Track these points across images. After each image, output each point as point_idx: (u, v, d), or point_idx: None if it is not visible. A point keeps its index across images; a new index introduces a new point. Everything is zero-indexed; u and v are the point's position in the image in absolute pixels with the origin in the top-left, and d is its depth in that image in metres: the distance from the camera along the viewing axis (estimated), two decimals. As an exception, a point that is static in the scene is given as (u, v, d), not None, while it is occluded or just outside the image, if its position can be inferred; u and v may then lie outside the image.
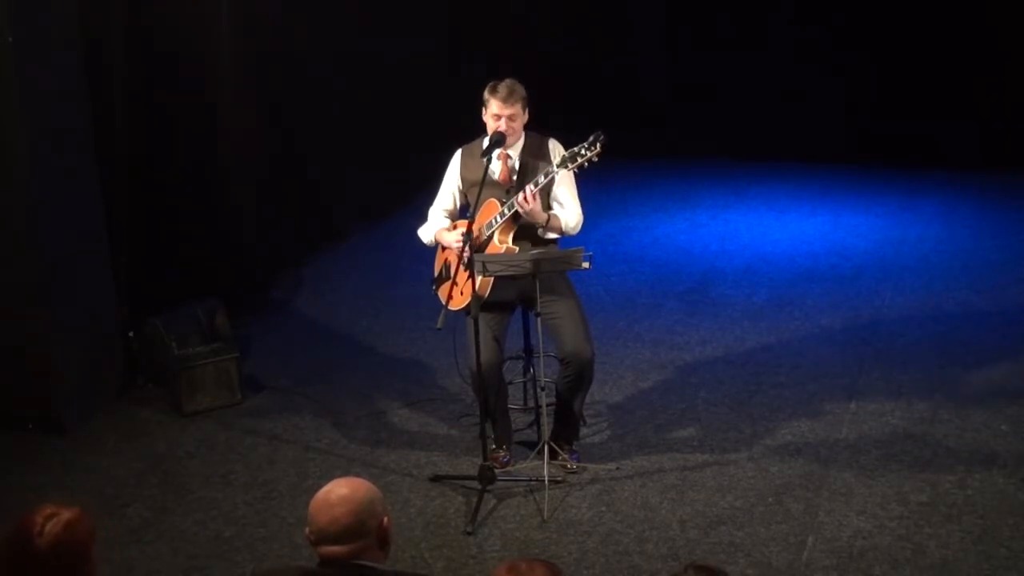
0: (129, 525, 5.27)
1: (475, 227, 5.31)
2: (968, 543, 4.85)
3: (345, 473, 5.33)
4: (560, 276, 5.44)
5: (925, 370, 6.38)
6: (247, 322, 7.25)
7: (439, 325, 5.16)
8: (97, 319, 6.30)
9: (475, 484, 5.29)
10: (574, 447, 5.61)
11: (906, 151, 9.67)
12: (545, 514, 5.18)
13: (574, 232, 5.44)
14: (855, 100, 9.89)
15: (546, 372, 5.46)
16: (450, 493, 5.41)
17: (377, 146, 8.97)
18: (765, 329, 7.02)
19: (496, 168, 5.40)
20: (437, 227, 5.60)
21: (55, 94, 5.90)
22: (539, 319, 5.28)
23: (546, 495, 5.25)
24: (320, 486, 3.24)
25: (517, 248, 5.35)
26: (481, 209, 5.34)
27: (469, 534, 5.08)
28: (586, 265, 5.24)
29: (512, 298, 5.46)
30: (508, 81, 5.35)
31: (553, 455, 5.42)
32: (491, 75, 5.44)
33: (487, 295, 5.32)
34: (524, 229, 5.39)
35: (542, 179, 5.23)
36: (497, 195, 5.37)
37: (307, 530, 3.20)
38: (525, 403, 6.00)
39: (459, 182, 5.56)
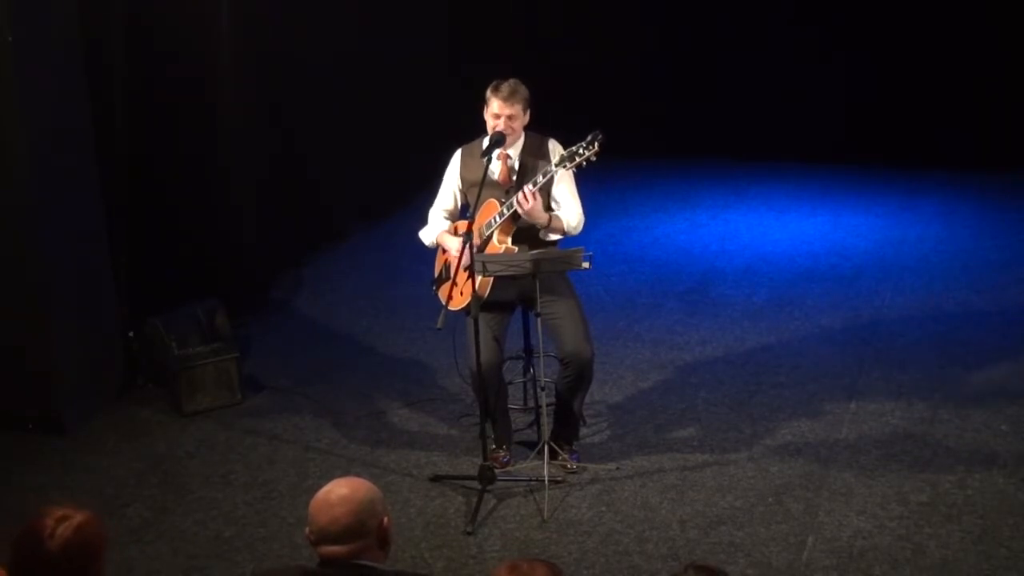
0: (129, 525, 5.27)
1: (475, 227, 5.31)
2: (968, 543, 4.85)
3: (345, 473, 5.33)
4: (560, 276, 5.44)
5: (925, 370, 6.38)
6: (247, 322, 7.25)
7: (439, 325, 5.15)
8: (97, 319, 6.30)
9: (475, 484, 5.29)
10: (574, 447, 5.61)
11: (906, 151, 9.66)
12: (545, 514, 5.18)
13: (576, 232, 5.43)
14: (855, 100, 9.88)
15: (546, 372, 5.46)
16: (450, 493, 5.41)
17: (377, 146, 8.96)
18: (765, 329, 7.02)
19: (496, 168, 5.40)
20: (438, 229, 5.60)
21: (55, 94, 5.90)
22: (539, 319, 5.28)
23: (546, 495, 5.25)
24: (320, 486, 3.24)
25: (517, 248, 5.35)
26: (481, 209, 5.33)
27: (469, 534, 5.08)
28: (586, 265, 5.24)
29: (512, 298, 5.46)
30: (511, 81, 5.34)
31: (553, 455, 5.42)
32: (491, 75, 5.44)
33: (487, 295, 5.32)
34: (524, 229, 5.38)
35: (540, 179, 5.23)
36: (497, 195, 5.37)
37: (307, 530, 3.20)
38: (525, 403, 6.00)
39: (459, 182, 5.56)
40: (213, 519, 5.30)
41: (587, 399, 5.68)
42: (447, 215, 5.64)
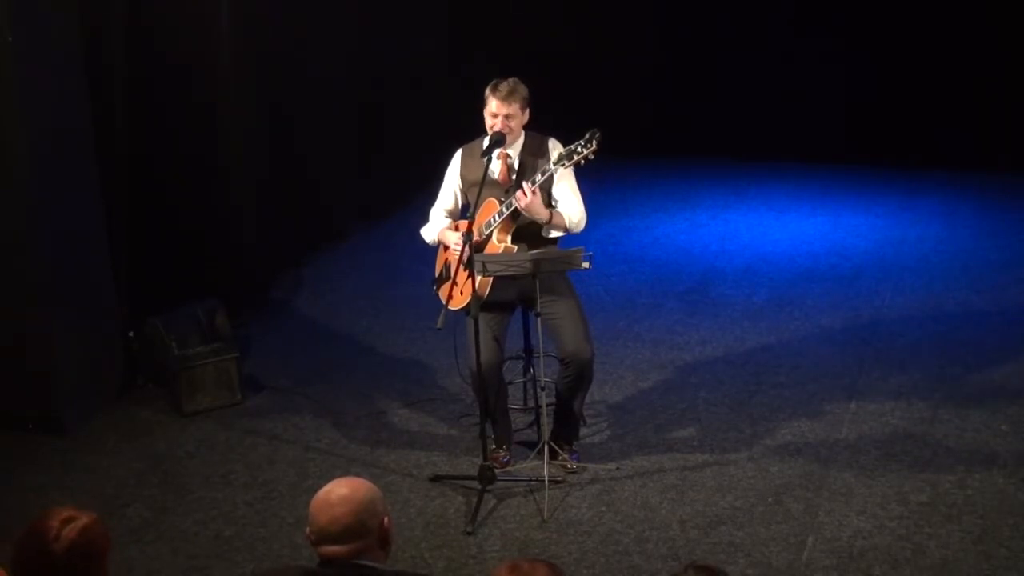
0: (129, 525, 5.27)
1: (475, 227, 5.31)
2: (968, 543, 4.85)
3: (345, 473, 5.33)
4: (560, 276, 5.44)
5: (925, 370, 6.38)
6: (247, 322, 7.25)
7: (439, 325, 5.15)
8: (97, 319, 6.29)
9: (475, 484, 5.29)
10: (574, 447, 5.61)
11: (906, 151, 9.67)
12: (545, 514, 5.18)
13: (578, 229, 5.42)
14: (855, 100, 9.88)
15: (546, 372, 5.46)
16: (450, 493, 5.41)
17: (377, 146, 8.96)
18: (765, 329, 7.03)
19: (496, 168, 5.40)
20: (439, 227, 5.60)
21: (55, 94, 5.90)
22: (539, 319, 5.28)
23: (546, 495, 5.25)
24: (320, 486, 3.24)
25: (516, 247, 5.35)
26: (481, 209, 5.33)
27: (469, 534, 5.08)
28: (586, 265, 5.24)
29: (512, 298, 5.46)
30: (511, 80, 5.34)
31: (553, 455, 5.42)
32: (491, 75, 5.44)
33: (487, 295, 5.32)
34: (523, 228, 5.38)
35: (539, 177, 5.23)
36: (497, 195, 5.37)
37: (307, 530, 3.20)
38: (525, 403, 6.00)
39: (459, 182, 5.56)
40: (213, 519, 5.30)
41: (587, 399, 5.68)
42: (448, 214, 5.64)
